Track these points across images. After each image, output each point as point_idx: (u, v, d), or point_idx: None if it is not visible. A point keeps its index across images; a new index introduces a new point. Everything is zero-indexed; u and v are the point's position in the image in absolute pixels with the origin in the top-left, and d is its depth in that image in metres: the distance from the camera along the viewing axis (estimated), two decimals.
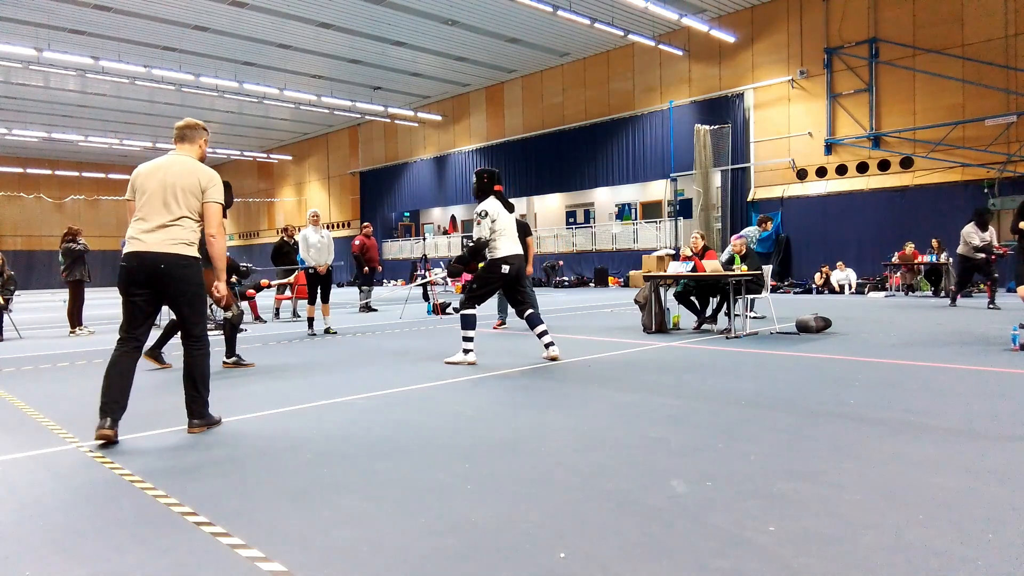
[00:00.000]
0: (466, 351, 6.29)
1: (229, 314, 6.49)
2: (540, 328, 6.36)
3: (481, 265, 6.50)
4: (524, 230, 9.89)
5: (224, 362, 6.55)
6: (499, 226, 6.23)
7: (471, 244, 6.40)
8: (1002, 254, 11.47)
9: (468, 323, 6.29)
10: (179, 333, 4.09)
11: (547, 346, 6.33)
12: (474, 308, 6.32)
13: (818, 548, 2.19)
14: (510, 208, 6.40)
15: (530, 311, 6.40)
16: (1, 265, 10.29)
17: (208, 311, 8.76)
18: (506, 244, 6.27)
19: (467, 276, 11.86)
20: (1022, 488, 2.69)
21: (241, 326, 10.19)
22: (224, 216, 6.47)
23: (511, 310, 10.04)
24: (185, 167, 3.91)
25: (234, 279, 12.19)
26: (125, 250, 3.83)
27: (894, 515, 2.44)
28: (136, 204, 3.87)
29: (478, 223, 6.25)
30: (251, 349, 8.02)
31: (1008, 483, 2.75)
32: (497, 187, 6.41)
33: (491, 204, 6.27)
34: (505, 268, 6.25)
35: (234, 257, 10.85)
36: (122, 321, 3.89)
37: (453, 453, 3.40)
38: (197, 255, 3.92)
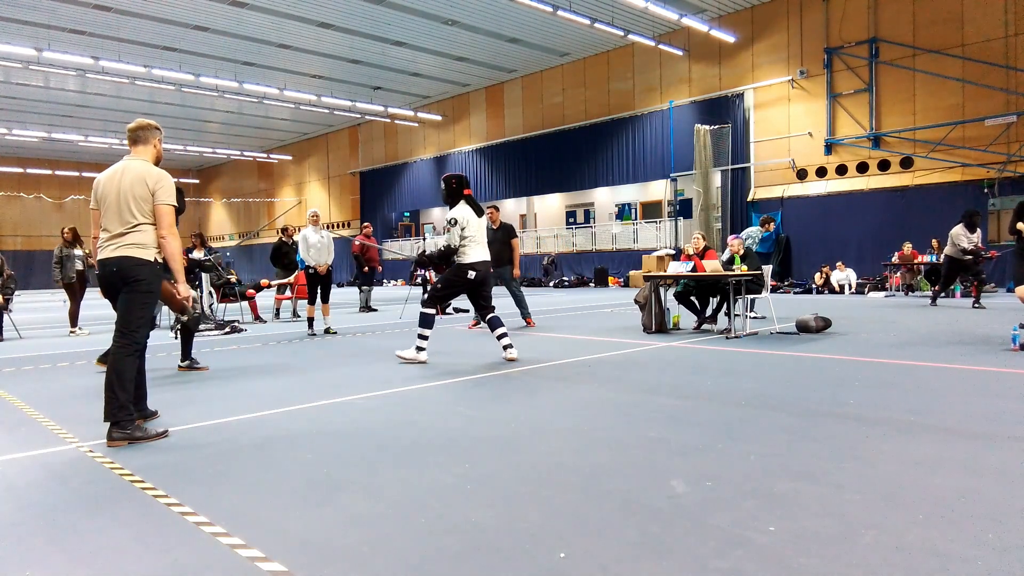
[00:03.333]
0: (419, 348, 6.42)
1: (185, 317, 6.22)
2: (500, 331, 6.51)
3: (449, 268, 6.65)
4: (509, 233, 9.93)
5: (179, 366, 6.43)
6: (469, 232, 6.37)
7: (440, 248, 6.54)
8: (989, 257, 11.57)
9: (427, 322, 6.43)
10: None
11: (505, 348, 6.47)
12: (435, 308, 6.46)
13: (818, 548, 2.19)
14: (479, 212, 6.51)
15: (491, 314, 6.56)
16: (1, 265, 10.28)
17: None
18: (475, 250, 6.41)
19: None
20: (1022, 488, 2.69)
21: (240, 326, 10.25)
22: (176, 222, 6.39)
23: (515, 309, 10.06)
24: (136, 173, 3.89)
25: (234, 279, 12.21)
26: (97, 258, 3.95)
27: (894, 515, 2.44)
28: (100, 213, 3.93)
29: (447, 230, 6.39)
30: (251, 349, 8.02)
31: (1008, 483, 2.75)
32: (466, 191, 6.52)
33: (461, 211, 6.38)
34: (471, 274, 6.38)
35: (222, 258, 10.90)
36: None
37: (453, 453, 3.40)
38: (149, 258, 3.89)
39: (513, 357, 6.40)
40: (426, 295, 6.48)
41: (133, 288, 3.85)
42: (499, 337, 6.48)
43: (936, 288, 12.03)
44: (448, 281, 6.46)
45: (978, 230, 11.02)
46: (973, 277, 11.36)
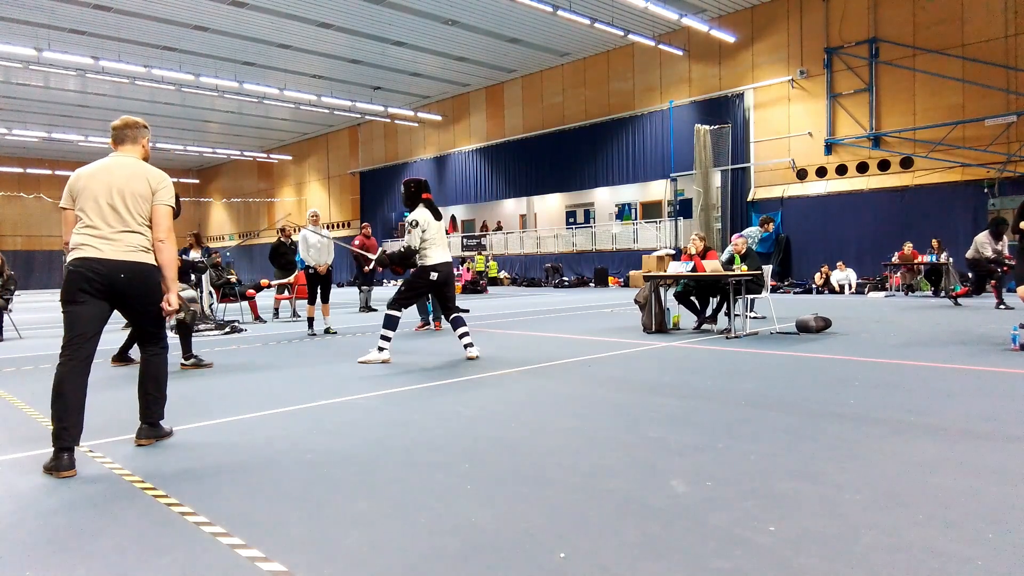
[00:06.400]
0: (381, 349, 6.55)
1: (181, 315, 6.05)
2: (462, 330, 6.66)
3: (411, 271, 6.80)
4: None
5: (182, 364, 6.43)
6: (429, 235, 6.52)
7: (400, 250, 6.67)
8: (1013, 265, 11.51)
9: (391, 324, 6.56)
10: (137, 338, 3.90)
11: (466, 347, 6.62)
12: (400, 311, 6.58)
13: (818, 548, 2.19)
14: (438, 216, 6.67)
15: (455, 314, 6.71)
16: (1, 265, 10.28)
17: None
18: (436, 252, 6.58)
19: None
20: (1022, 488, 2.69)
21: (240, 326, 10.24)
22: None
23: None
24: (133, 170, 3.59)
25: (234, 278, 12.20)
26: (76, 255, 3.45)
27: (894, 515, 2.44)
28: (81, 210, 3.52)
29: (409, 232, 6.53)
30: (251, 349, 8.02)
31: (1008, 483, 2.75)
32: (425, 195, 6.70)
33: (421, 214, 6.54)
34: (433, 275, 6.56)
35: (230, 258, 10.89)
36: (65, 334, 3.39)
37: (453, 453, 3.40)
38: (154, 262, 3.68)
39: (474, 356, 6.56)
40: (391, 299, 6.63)
41: (154, 299, 3.65)
42: (460, 336, 6.64)
43: (965, 289, 11.88)
44: (411, 284, 6.62)
45: (1004, 239, 11.02)
46: (990, 277, 11.38)
